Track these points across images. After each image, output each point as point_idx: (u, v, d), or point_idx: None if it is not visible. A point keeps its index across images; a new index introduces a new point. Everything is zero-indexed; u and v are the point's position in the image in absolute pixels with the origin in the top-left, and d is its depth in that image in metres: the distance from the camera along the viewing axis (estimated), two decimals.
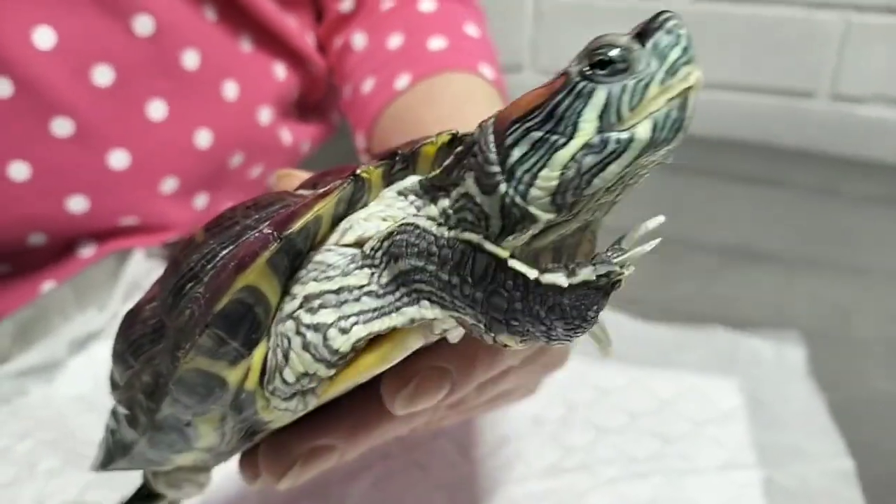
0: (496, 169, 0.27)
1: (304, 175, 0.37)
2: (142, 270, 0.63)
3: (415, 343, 0.29)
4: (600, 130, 0.25)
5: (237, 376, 0.30)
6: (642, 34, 0.25)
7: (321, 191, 0.29)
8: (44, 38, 0.56)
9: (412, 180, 0.30)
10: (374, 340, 0.29)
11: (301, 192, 0.33)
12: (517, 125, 0.26)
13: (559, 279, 0.25)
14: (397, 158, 0.30)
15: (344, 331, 0.29)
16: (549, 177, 0.26)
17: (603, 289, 0.25)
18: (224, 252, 0.30)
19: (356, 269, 0.29)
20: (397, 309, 0.29)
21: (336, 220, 0.30)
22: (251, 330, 0.29)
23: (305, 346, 0.29)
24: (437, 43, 0.63)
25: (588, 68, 0.25)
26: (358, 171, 0.30)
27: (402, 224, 0.28)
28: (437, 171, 0.29)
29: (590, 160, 0.25)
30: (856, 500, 0.50)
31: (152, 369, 0.31)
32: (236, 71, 0.65)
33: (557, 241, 0.29)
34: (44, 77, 0.56)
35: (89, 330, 0.60)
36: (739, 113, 1.16)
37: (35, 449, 0.51)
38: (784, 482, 0.51)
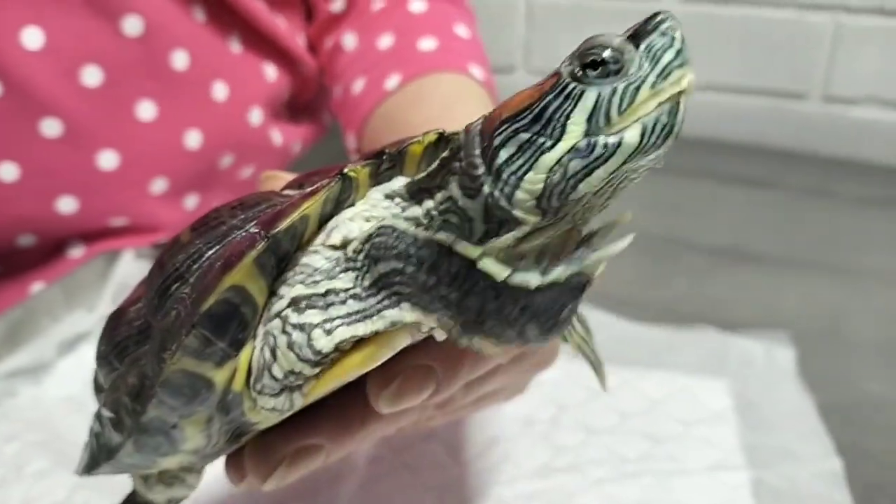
0: (480, 172, 0.27)
1: (289, 176, 0.37)
2: (131, 271, 0.62)
3: (402, 342, 0.29)
4: (588, 134, 0.25)
5: (224, 377, 0.29)
6: (636, 35, 0.25)
7: (308, 190, 0.29)
8: (32, 38, 0.56)
9: (399, 182, 0.30)
10: (360, 339, 0.29)
11: (287, 192, 0.33)
12: (506, 126, 0.26)
13: (529, 279, 0.24)
14: (384, 158, 0.30)
15: (328, 332, 0.28)
16: (534, 180, 0.26)
17: (575, 288, 0.24)
18: (210, 252, 0.30)
19: (341, 272, 0.29)
20: (378, 312, 0.28)
21: (323, 220, 0.30)
22: (238, 330, 0.29)
23: (290, 346, 0.29)
24: (427, 43, 0.63)
25: (579, 69, 0.25)
26: (345, 171, 0.29)
27: (380, 226, 0.28)
28: (423, 175, 0.29)
29: (576, 164, 0.25)
30: (844, 502, 0.50)
31: (138, 371, 0.31)
32: (226, 72, 0.65)
33: (544, 243, 0.29)
34: (32, 77, 0.56)
35: (78, 331, 0.60)
36: (731, 114, 1.16)
37: (23, 450, 0.51)
38: (773, 483, 0.51)
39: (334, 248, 0.29)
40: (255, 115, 0.68)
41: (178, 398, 0.30)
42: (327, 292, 0.29)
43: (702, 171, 1.06)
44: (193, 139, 0.64)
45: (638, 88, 0.25)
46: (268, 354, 0.29)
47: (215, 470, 0.38)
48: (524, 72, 1.24)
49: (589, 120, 0.25)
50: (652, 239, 0.85)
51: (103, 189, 0.61)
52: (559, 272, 0.24)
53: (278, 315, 0.29)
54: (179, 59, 0.62)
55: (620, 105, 0.25)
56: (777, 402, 0.59)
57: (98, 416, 0.34)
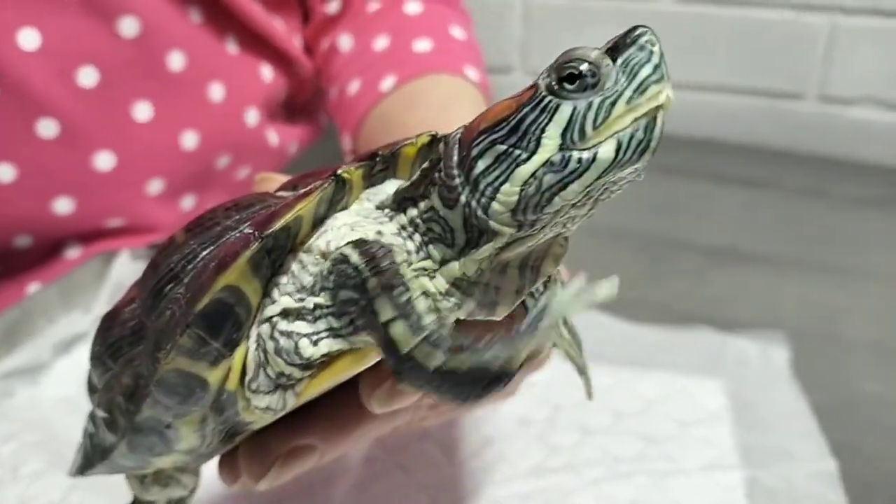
0: (457, 182, 0.27)
1: (283, 178, 0.37)
2: (128, 272, 0.62)
3: None
4: (562, 148, 0.25)
5: (218, 377, 0.30)
6: (614, 49, 0.25)
7: (302, 191, 0.29)
8: (28, 39, 0.56)
9: (392, 188, 0.31)
10: None
11: (282, 193, 0.33)
12: (484, 136, 0.26)
13: (430, 359, 0.25)
14: (377, 159, 0.31)
15: (314, 343, 0.29)
16: (509, 192, 0.26)
17: (494, 379, 0.25)
18: (204, 252, 0.30)
19: (320, 290, 0.29)
20: (347, 335, 0.28)
21: (317, 221, 0.30)
22: (232, 330, 0.29)
23: (278, 351, 0.29)
24: (422, 45, 0.63)
25: (556, 82, 0.25)
26: (339, 172, 0.30)
27: (336, 254, 0.28)
28: (407, 184, 0.29)
29: (550, 178, 0.25)
30: (839, 502, 0.50)
31: (132, 371, 0.31)
32: (222, 72, 0.65)
33: (526, 252, 0.29)
34: (29, 78, 0.56)
35: (75, 332, 0.60)
36: (727, 115, 1.16)
37: (19, 451, 0.51)
38: (768, 483, 0.51)
39: (323, 256, 0.29)
40: (252, 116, 0.68)
41: (173, 397, 0.30)
42: (315, 307, 0.29)
43: (698, 172, 1.06)
44: (190, 140, 0.64)
45: (614, 103, 0.24)
46: (261, 354, 0.30)
47: (210, 471, 0.38)
48: (521, 72, 1.24)
49: (563, 134, 0.25)
50: (648, 239, 0.85)
51: (100, 190, 0.61)
52: (462, 359, 0.24)
53: (268, 320, 0.29)
54: (176, 60, 0.62)
55: (595, 120, 0.25)
56: (772, 402, 0.59)
57: (92, 417, 0.35)
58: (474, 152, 0.26)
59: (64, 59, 0.57)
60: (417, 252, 0.29)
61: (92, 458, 0.35)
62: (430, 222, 0.29)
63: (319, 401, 0.33)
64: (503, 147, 0.26)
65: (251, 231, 0.29)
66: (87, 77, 0.58)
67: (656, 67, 0.24)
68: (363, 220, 0.30)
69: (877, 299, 0.77)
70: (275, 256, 0.29)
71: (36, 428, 0.53)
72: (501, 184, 0.26)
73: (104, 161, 0.60)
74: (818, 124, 1.13)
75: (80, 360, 0.58)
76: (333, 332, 0.29)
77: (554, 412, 0.57)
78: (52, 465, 0.50)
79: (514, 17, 1.23)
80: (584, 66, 0.25)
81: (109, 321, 0.33)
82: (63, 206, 0.60)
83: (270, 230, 0.28)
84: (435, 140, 0.30)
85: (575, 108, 0.25)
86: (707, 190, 1.03)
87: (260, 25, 0.66)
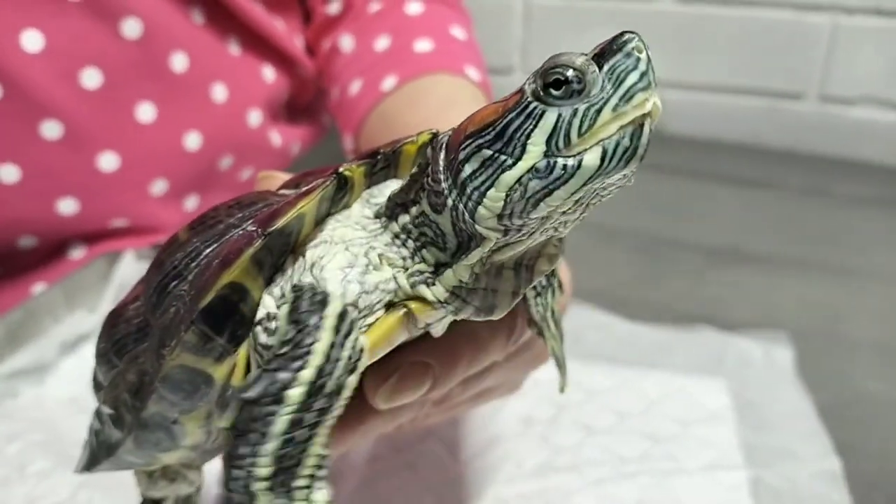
0: (444, 186, 0.27)
1: (285, 176, 0.37)
2: (132, 272, 0.63)
3: (398, 337, 0.29)
4: (547, 154, 0.25)
5: (223, 373, 0.30)
6: (601, 55, 0.25)
7: (304, 189, 0.30)
8: (32, 41, 0.56)
9: (382, 200, 0.31)
10: None
11: (284, 191, 0.33)
12: (470, 140, 0.26)
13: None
14: (379, 157, 0.31)
15: None
16: (495, 197, 0.26)
17: None
18: (208, 250, 0.30)
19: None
20: None
21: (319, 219, 0.30)
22: (236, 326, 0.29)
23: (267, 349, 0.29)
24: (423, 45, 0.63)
25: (542, 88, 0.25)
26: (340, 170, 0.30)
27: (294, 286, 0.28)
28: (398, 190, 0.30)
29: (535, 184, 0.25)
30: (843, 501, 0.50)
31: (137, 368, 0.31)
32: (225, 73, 0.66)
33: (518, 255, 0.29)
34: (32, 80, 0.56)
35: (79, 332, 0.60)
36: (729, 114, 1.16)
37: (25, 450, 0.51)
38: (771, 482, 0.51)
39: (311, 268, 0.29)
40: (254, 117, 0.68)
41: (178, 393, 0.30)
42: None
43: (699, 172, 1.06)
44: (193, 141, 0.64)
45: (599, 111, 0.24)
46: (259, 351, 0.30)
47: (214, 471, 0.38)
48: (522, 73, 1.24)
49: (548, 141, 0.25)
50: (650, 239, 0.85)
51: (103, 190, 0.61)
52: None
53: (260, 322, 0.29)
54: (178, 61, 0.62)
55: (581, 127, 0.24)
56: (775, 402, 0.59)
57: (98, 414, 0.35)
58: (461, 156, 0.26)
59: (67, 60, 0.57)
60: (412, 257, 0.29)
61: (98, 454, 0.35)
62: (423, 227, 0.29)
63: None
64: (489, 152, 0.26)
65: (254, 228, 0.29)
66: (91, 78, 0.59)
67: (643, 75, 0.24)
68: (359, 235, 0.30)
69: (879, 299, 0.77)
70: (278, 254, 0.30)
71: (41, 427, 0.53)
72: (487, 189, 0.26)
73: (108, 162, 0.61)
74: (819, 124, 1.13)
75: (85, 359, 0.58)
76: None
77: (557, 412, 0.57)
78: (59, 465, 0.50)
79: (514, 18, 1.23)
80: (569, 73, 0.24)
81: (114, 318, 0.33)
82: (67, 206, 0.60)
83: (273, 227, 0.28)
84: (435, 138, 0.30)
85: (560, 115, 0.25)
86: (708, 190, 1.03)
87: (261, 26, 0.67)
